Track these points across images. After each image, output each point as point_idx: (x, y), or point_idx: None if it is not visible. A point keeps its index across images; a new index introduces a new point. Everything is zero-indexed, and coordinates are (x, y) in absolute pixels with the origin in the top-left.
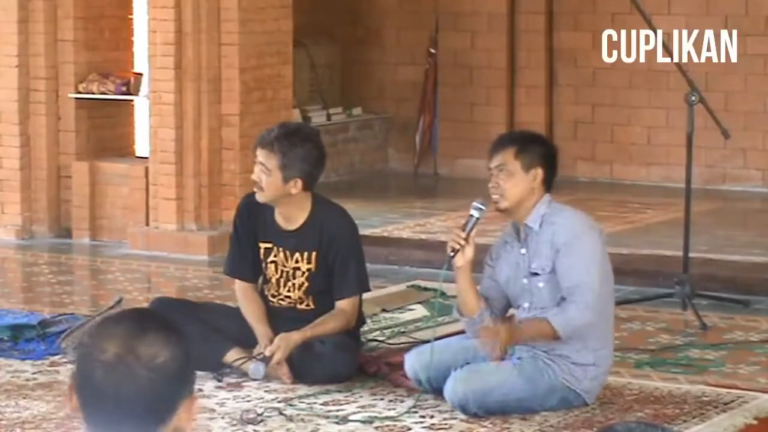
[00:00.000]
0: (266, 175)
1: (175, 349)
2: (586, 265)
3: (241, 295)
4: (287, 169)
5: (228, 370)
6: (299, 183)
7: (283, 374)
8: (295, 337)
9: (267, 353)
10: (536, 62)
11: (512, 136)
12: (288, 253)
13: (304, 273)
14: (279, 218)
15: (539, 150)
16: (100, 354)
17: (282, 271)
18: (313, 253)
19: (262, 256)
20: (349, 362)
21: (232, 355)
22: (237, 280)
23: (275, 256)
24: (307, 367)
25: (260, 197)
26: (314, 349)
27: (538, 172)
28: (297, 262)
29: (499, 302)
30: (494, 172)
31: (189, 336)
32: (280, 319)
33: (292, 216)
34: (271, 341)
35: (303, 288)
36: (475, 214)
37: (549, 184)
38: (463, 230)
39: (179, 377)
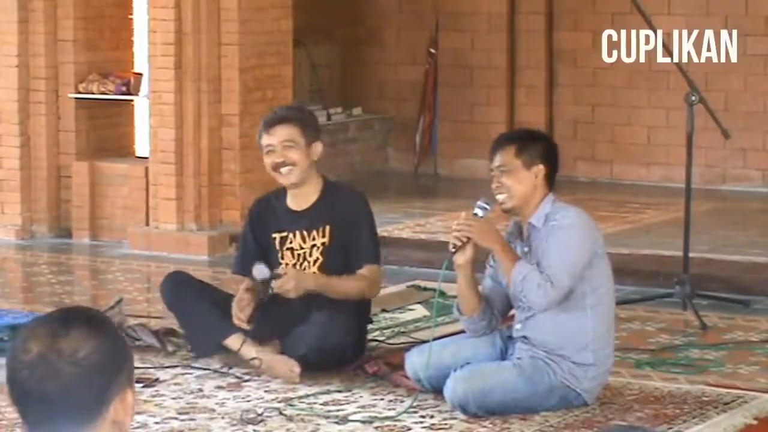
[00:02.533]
0: (292, 149)
1: (99, 341)
2: (557, 255)
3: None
4: (307, 134)
5: (230, 369)
6: (318, 146)
7: (296, 374)
8: (309, 279)
9: (280, 271)
10: (536, 62)
11: (512, 135)
12: (305, 233)
13: (319, 248)
14: (291, 202)
15: (539, 147)
16: (24, 355)
17: (299, 255)
18: (327, 227)
19: (278, 247)
20: (344, 336)
21: (233, 340)
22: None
23: (291, 242)
24: (301, 335)
25: (293, 177)
26: (311, 319)
27: (540, 169)
28: (314, 239)
29: (501, 302)
30: (496, 173)
31: (194, 311)
32: (291, 307)
33: (306, 195)
34: (240, 301)
35: (318, 263)
36: (480, 212)
37: (552, 180)
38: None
39: (106, 369)
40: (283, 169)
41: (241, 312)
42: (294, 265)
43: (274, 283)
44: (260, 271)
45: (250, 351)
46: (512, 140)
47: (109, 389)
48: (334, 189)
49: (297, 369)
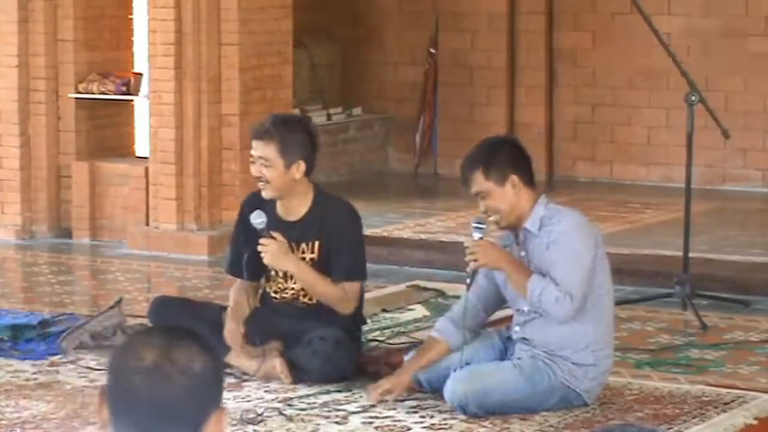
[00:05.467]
0: (268, 167)
1: (209, 358)
2: (567, 267)
3: (235, 290)
4: (287, 154)
5: (231, 371)
6: (302, 166)
7: (281, 373)
8: (290, 263)
9: (274, 235)
10: (536, 62)
11: (474, 159)
12: (293, 244)
13: (308, 263)
14: (281, 211)
15: (503, 157)
16: (138, 361)
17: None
18: (316, 243)
19: None
20: (348, 362)
21: (234, 356)
22: (237, 279)
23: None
24: (305, 364)
25: (267, 193)
26: (313, 346)
27: (513, 179)
28: (303, 252)
29: (489, 302)
30: (478, 198)
31: None
32: (282, 315)
33: (294, 207)
34: (234, 338)
35: None
36: (478, 235)
37: (530, 178)
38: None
39: (213, 385)
40: (260, 183)
41: (236, 344)
42: (284, 273)
43: (261, 241)
44: (257, 215)
45: (249, 365)
46: (476, 164)
47: (210, 407)
48: (324, 201)
49: (284, 371)
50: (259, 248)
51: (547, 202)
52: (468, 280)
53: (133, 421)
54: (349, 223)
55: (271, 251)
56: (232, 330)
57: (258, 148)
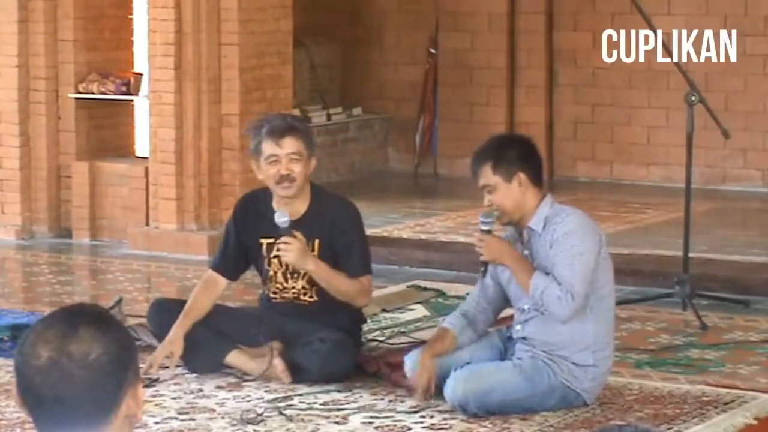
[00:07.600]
0: (299, 162)
1: (108, 341)
2: (570, 266)
3: (203, 283)
4: (309, 148)
5: (230, 371)
6: (314, 161)
7: (282, 373)
8: (310, 262)
9: (295, 233)
10: (536, 62)
11: (484, 153)
12: None
13: None
14: (279, 209)
15: (513, 154)
16: (35, 361)
17: (287, 263)
18: (316, 241)
19: (265, 253)
20: (348, 361)
21: (234, 357)
22: (213, 272)
23: (278, 249)
24: (305, 364)
25: (292, 191)
26: (313, 345)
27: (520, 177)
28: None
29: (496, 302)
30: (484, 192)
31: (189, 337)
32: (282, 315)
33: (297, 207)
34: (171, 342)
35: (307, 276)
36: (485, 228)
37: (538, 178)
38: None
39: (116, 368)
40: (285, 183)
41: (151, 367)
42: (284, 273)
43: (283, 240)
44: (281, 215)
45: (249, 365)
46: (486, 158)
47: (122, 387)
48: (322, 198)
49: (285, 374)
50: (282, 247)
51: (552, 202)
52: (482, 269)
53: (47, 417)
54: (354, 220)
55: (294, 250)
56: (181, 326)
57: (288, 145)
